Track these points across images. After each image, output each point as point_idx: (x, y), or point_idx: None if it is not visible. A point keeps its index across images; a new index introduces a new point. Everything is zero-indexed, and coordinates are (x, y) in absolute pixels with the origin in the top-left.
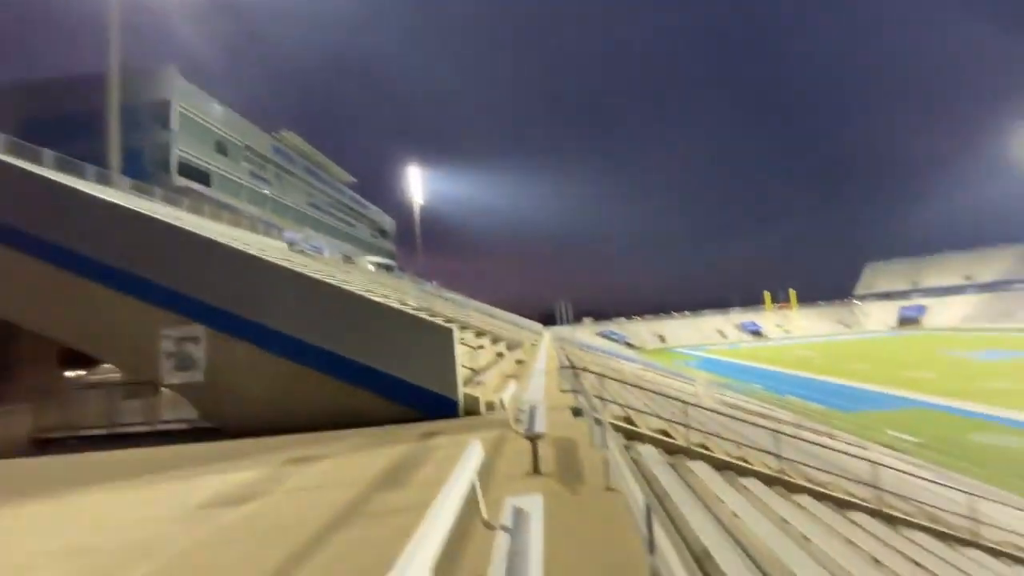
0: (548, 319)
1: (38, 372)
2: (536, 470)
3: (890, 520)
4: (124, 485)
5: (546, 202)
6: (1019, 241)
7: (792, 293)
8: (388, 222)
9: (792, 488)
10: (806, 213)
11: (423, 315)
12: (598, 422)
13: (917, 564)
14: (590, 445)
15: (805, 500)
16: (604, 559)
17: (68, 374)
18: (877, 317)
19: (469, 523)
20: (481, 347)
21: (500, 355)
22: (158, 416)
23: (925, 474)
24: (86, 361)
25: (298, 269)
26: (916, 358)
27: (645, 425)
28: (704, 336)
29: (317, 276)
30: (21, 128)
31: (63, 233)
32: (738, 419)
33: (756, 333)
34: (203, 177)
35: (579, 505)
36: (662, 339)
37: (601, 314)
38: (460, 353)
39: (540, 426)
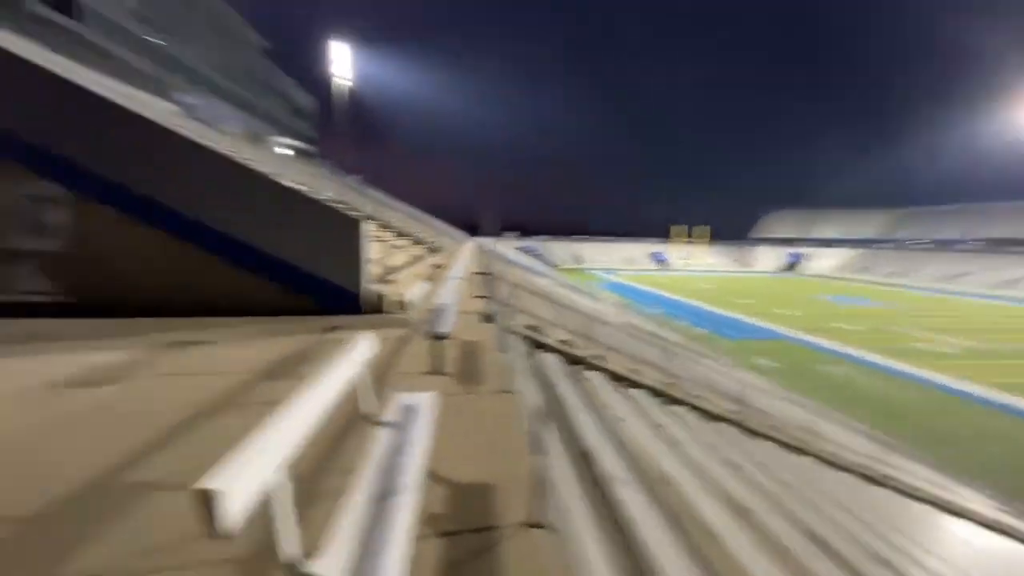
0: (473, 229)
1: None
2: (436, 370)
3: (745, 430)
4: None
5: (492, 110)
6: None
7: (707, 229)
8: (306, 100)
9: (672, 400)
10: (721, 161)
11: (336, 207)
12: (505, 329)
13: (760, 463)
14: (495, 350)
15: (681, 410)
16: (490, 454)
17: None
18: (766, 260)
19: (356, 417)
20: (399, 247)
21: (418, 258)
22: (15, 286)
23: (781, 393)
24: None
25: (188, 135)
26: (790, 298)
27: (551, 336)
28: (618, 261)
29: (209, 145)
30: None
31: None
32: (635, 337)
33: (662, 262)
34: (67, 7)
35: (474, 405)
36: (578, 260)
37: (524, 230)
38: (369, 248)
39: (446, 327)
